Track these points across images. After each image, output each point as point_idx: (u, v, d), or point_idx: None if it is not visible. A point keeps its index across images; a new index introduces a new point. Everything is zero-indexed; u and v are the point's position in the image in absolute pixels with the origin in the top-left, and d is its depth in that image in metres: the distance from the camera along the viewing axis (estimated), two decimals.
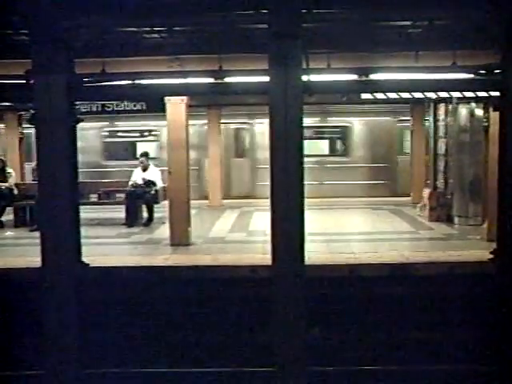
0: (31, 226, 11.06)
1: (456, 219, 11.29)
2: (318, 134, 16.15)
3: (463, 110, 11.21)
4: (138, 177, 11.97)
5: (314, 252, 8.35)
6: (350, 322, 7.86)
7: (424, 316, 7.82)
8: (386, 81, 7.38)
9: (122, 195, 11.86)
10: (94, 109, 11.49)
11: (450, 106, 11.49)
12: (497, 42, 6.83)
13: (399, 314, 7.87)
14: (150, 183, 11.78)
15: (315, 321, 7.12)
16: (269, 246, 6.39)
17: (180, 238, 9.69)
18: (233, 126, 16.01)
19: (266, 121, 6.47)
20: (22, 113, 13.72)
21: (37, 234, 6.81)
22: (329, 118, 15.98)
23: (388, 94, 9.71)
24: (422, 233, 10.58)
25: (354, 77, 7.27)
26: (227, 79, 7.41)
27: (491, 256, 7.06)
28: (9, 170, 12.15)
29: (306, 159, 6.24)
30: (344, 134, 15.99)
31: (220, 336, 7.87)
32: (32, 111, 6.79)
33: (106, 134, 16.30)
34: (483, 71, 6.89)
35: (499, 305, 6.60)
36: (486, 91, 8.06)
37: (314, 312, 6.75)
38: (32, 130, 8.43)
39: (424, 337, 7.76)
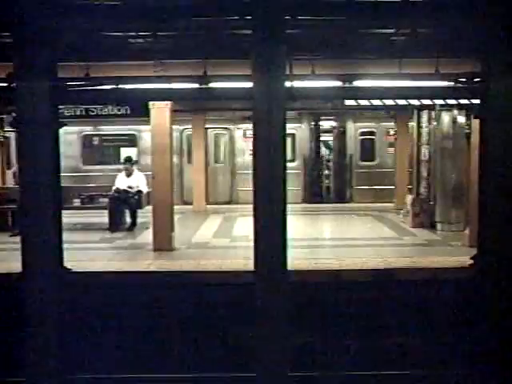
0: (12, 230, 10.93)
1: (439, 225, 11.36)
2: None
3: (446, 117, 11.31)
4: (121, 182, 11.88)
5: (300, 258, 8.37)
6: (334, 327, 7.88)
7: (406, 320, 7.88)
8: (369, 88, 7.46)
9: (106, 200, 11.77)
10: (78, 113, 11.44)
11: (433, 113, 11.60)
12: (477, 50, 6.92)
13: (382, 318, 7.92)
14: (137, 191, 11.68)
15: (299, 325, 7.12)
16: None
17: (163, 243, 9.66)
18: None
19: None
20: (4, 116, 13.59)
21: (18, 239, 6.72)
22: None
23: (372, 100, 9.79)
24: (405, 239, 10.65)
25: (338, 83, 7.32)
26: (212, 84, 7.42)
27: (471, 262, 7.13)
28: None
29: None
30: None
31: (200, 341, 7.85)
32: (14, 114, 6.72)
33: None
34: (464, 79, 6.99)
35: (478, 309, 6.66)
36: (467, 99, 8.16)
37: (299, 317, 6.76)
38: None
39: (404, 341, 7.81)
